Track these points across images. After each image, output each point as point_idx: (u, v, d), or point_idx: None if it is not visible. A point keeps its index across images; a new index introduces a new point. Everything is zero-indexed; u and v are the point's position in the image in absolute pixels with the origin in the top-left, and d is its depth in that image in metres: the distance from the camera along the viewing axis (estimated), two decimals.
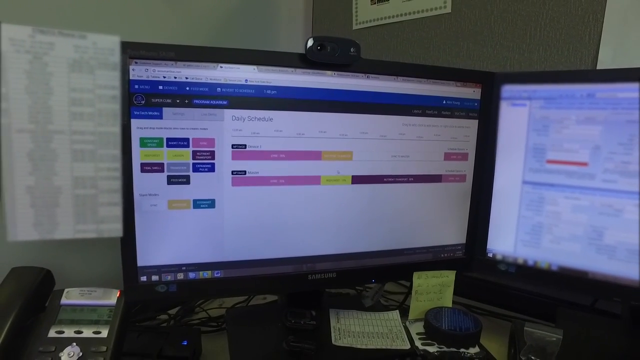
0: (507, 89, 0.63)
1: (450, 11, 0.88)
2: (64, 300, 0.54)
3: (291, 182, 0.55)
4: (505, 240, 0.63)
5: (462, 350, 0.57)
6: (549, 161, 0.59)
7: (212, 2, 0.87)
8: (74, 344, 0.50)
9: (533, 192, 0.61)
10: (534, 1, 0.76)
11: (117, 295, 0.54)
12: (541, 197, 0.60)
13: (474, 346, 0.57)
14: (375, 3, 1.01)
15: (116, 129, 0.48)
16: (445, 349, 0.57)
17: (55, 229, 0.48)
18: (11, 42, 0.44)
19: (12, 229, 0.47)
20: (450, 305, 0.64)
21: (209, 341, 0.62)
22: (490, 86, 0.63)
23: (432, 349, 0.57)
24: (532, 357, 0.55)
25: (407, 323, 0.63)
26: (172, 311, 0.74)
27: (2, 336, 0.47)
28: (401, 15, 0.97)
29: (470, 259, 0.66)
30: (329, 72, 0.55)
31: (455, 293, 0.65)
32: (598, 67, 0.70)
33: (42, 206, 0.47)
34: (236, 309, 0.70)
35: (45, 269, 0.56)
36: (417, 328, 0.62)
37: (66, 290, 0.55)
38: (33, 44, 0.45)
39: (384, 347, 0.57)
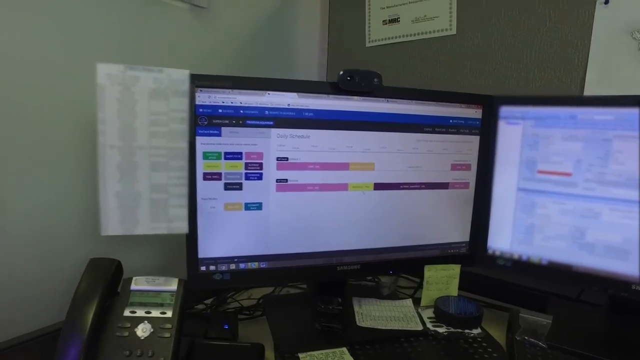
0: (504, 110, 0.73)
1: (455, 33, 0.98)
2: (133, 286, 0.64)
3: (324, 189, 0.66)
4: (503, 238, 0.74)
5: (466, 330, 0.67)
6: (539, 171, 0.70)
7: (238, 21, 0.96)
8: (146, 321, 0.60)
9: (526, 198, 0.71)
10: (530, 27, 0.86)
11: (177, 282, 0.65)
12: (533, 202, 0.71)
13: (476, 328, 0.68)
14: (386, 23, 1.11)
15: (185, 145, 0.59)
16: (452, 329, 0.67)
17: (136, 226, 0.59)
18: (108, 77, 0.55)
19: (104, 226, 0.58)
20: (456, 294, 0.75)
21: (243, 327, 0.72)
22: (490, 107, 0.74)
23: (441, 330, 0.67)
24: (526, 337, 0.66)
25: (419, 309, 0.74)
26: (207, 301, 0.84)
27: (92, 314, 0.58)
28: (410, 35, 1.07)
29: (473, 255, 0.77)
30: (355, 98, 0.66)
31: (461, 288, 0.76)
32: (586, 87, 0.80)
33: (126, 207, 0.58)
34: (272, 296, 0.81)
35: (116, 260, 0.66)
36: (427, 313, 0.72)
37: (134, 278, 0.66)
38: (124, 77, 0.56)
39: (400, 328, 0.68)
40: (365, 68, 0.97)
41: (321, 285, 0.74)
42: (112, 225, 0.58)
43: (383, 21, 1.12)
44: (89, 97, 0.69)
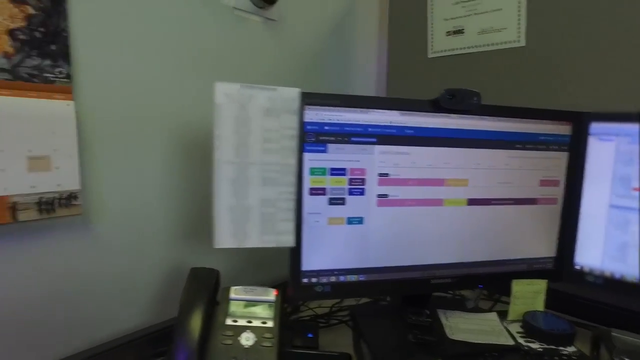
0: (595, 127, 0.73)
1: (524, 45, 0.97)
2: (232, 296, 0.67)
3: (421, 204, 0.67)
4: (593, 255, 0.74)
5: (560, 347, 0.67)
6: (635, 189, 0.69)
7: (303, 33, 1.00)
8: (248, 330, 0.62)
9: (619, 215, 0.71)
10: (608, 37, 0.82)
11: (274, 293, 0.67)
12: (627, 219, 0.70)
13: (570, 345, 0.68)
14: (450, 34, 1.11)
15: (294, 161, 0.61)
16: (546, 346, 0.68)
17: (246, 239, 0.61)
18: (226, 96, 0.58)
19: (217, 238, 0.60)
20: (542, 309, 0.75)
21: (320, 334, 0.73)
22: (579, 124, 0.74)
23: (534, 346, 0.68)
24: (625, 359, 0.65)
25: (505, 323, 0.74)
26: None
27: (200, 323, 0.60)
28: (475, 47, 1.06)
29: (560, 270, 0.76)
30: (452, 115, 0.67)
31: None
32: None
33: (238, 221, 0.60)
34: (359, 307, 0.82)
35: (216, 269, 0.69)
36: (515, 328, 0.73)
37: (232, 287, 0.68)
38: (240, 96, 0.58)
39: (492, 342, 0.68)
40: (426, 79, 0.99)
41: (407, 297, 0.75)
42: (225, 238, 0.60)
43: (446, 32, 1.12)
44: (183, 109, 0.73)
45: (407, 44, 1.17)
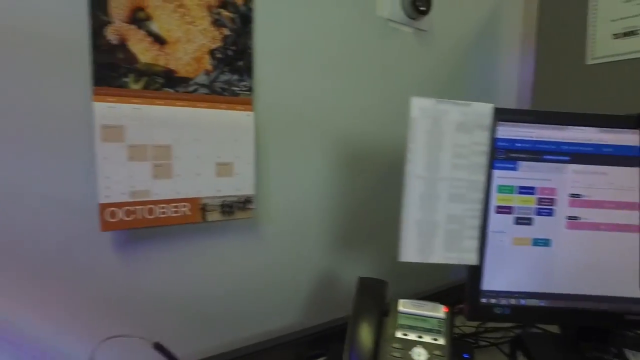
0: None
1: None
2: (401, 309, 0.66)
3: (617, 229, 0.61)
4: None
5: None
6: None
7: (451, 42, 0.99)
8: (419, 346, 0.61)
9: None
10: None
11: (444, 310, 0.65)
12: None
13: None
14: (618, 37, 1.00)
15: (482, 178, 0.60)
16: None
17: (430, 254, 0.62)
18: (420, 110, 0.58)
19: (403, 252, 0.61)
20: None
21: None
22: None
23: None
24: None
25: None
26: None
27: (373, 335, 0.60)
28: None
29: None
30: None
31: None
32: None
33: (424, 236, 0.61)
34: (527, 332, 0.78)
35: (385, 280, 0.70)
36: None
37: (400, 300, 0.68)
38: (434, 110, 0.59)
39: None
40: (582, 88, 0.90)
41: (582, 329, 0.69)
42: (411, 252, 0.61)
43: (613, 35, 1.01)
44: (344, 119, 0.76)
45: (559, 51, 1.09)
